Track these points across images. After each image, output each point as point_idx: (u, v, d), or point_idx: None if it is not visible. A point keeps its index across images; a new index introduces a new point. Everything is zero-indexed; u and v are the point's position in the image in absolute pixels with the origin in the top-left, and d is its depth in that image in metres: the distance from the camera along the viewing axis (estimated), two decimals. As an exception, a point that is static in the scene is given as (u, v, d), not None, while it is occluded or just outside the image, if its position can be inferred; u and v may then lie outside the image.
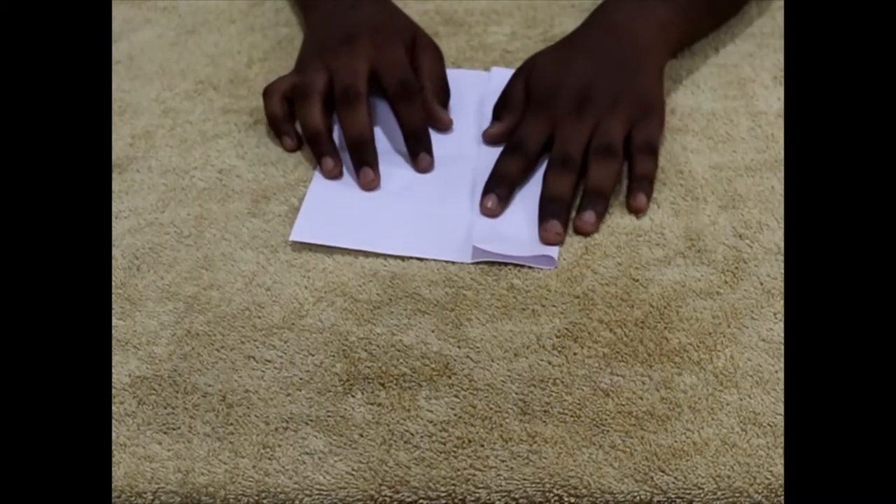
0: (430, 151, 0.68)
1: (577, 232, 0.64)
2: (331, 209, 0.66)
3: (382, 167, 0.68)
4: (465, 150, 0.70)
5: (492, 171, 0.66)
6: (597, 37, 0.71)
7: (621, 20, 0.71)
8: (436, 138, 0.69)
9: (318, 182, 0.68)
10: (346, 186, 0.67)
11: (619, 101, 0.67)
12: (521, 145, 0.67)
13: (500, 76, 0.74)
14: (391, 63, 0.69)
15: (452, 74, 0.74)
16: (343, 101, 0.68)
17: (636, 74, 0.69)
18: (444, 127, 0.70)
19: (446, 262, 0.63)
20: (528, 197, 0.66)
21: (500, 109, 0.70)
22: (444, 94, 0.72)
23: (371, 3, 0.74)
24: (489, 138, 0.69)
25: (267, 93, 0.71)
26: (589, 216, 0.64)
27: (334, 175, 0.67)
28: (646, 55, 0.71)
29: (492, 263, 0.62)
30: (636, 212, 0.65)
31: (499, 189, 0.65)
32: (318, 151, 0.68)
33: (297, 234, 0.64)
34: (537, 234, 0.64)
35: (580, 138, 0.66)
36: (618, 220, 0.65)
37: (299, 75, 0.71)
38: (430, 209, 0.66)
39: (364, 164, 0.67)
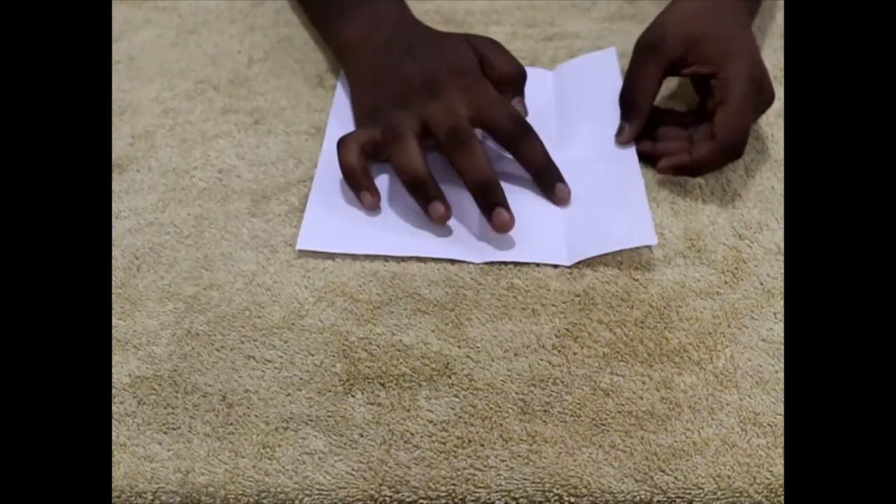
0: (564, 181, 0.65)
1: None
2: (335, 215, 0.65)
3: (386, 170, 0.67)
4: None
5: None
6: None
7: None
8: None
9: (319, 187, 0.67)
10: (348, 191, 0.66)
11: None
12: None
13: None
14: (492, 104, 0.66)
15: None
16: (454, 144, 0.63)
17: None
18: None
19: (448, 261, 0.63)
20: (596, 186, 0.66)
21: (630, 107, 0.70)
22: (520, 82, 0.69)
23: (425, 41, 0.70)
24: (626, 139, 0.69)
25: (343, 143, 0.66)
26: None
27: (446, 219, 0.63)
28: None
29: (491, 263, 0.62)
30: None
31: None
32: (425, 196, 0.63)
33: (304, 243, 0.64)
34: (620, 223, 0.63)
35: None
36: (618, 220, 0.65)
37: (378, 125, 0.66)
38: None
39: (496, 205, 0.62)
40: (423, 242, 0.63)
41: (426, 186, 0.63)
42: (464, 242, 0.63)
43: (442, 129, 0.64)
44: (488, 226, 0.63)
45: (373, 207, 0.65)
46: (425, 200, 0.63)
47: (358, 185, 0.65)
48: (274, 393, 0.56)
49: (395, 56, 0.69)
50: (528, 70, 0.71)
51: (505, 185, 0.63)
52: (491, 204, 0.62)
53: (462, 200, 0.65)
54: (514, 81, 0.69)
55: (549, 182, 0.65)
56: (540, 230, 0.64)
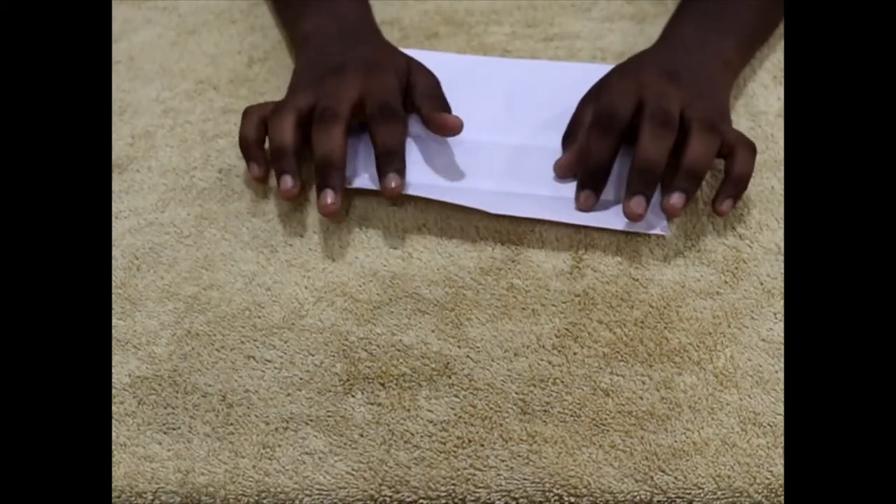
0: (401, 173, 0.63)
1: (667, 214, 0.62)
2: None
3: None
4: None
5: (584, 163, 0.64)
6: (663, 53, 0.69)
7: (690, 45, 0.69)
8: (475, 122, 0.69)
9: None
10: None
11: (702, 97, 0.65)
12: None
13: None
14: (378, 90, 0.66)
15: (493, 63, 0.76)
16: (319, 120, 0.64)
17: (710, 86, 0.67)
18: (455, 130, 0.66)
19: (450, 254, 0.63)
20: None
21: (567, 139, 0.68)
22: (443, 108, 0.68)
23: (366, 40, 0.72)
24: (562, 171, 0.66)
25: (246, 113, 0.67)
26: (678, 199, 0.61)
27: (293, 196, 0.64)
28: (718, 74, 0.69)
29: (492, 263, 0.62)
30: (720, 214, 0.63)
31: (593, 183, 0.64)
32: (278, 168, 0.64)
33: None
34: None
35: (675, 101, 0.63)
36: (618, 220, 0.65)
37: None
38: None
39: (326, 187, 0.62)
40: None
41: (283, 157, 0.64)
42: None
43: (319, 106, 0.65)
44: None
45: (258, 177, 0.66)
46: (278, 172, 0.64)
47: (248, 154, 0.66)
48: (274, 393, 0.56)
49: (334, 45, 0.70)
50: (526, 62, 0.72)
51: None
52: (323, 185, 0.63)
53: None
54: (431, 98, 0.68)
55: (383, 168, 0.63)
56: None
